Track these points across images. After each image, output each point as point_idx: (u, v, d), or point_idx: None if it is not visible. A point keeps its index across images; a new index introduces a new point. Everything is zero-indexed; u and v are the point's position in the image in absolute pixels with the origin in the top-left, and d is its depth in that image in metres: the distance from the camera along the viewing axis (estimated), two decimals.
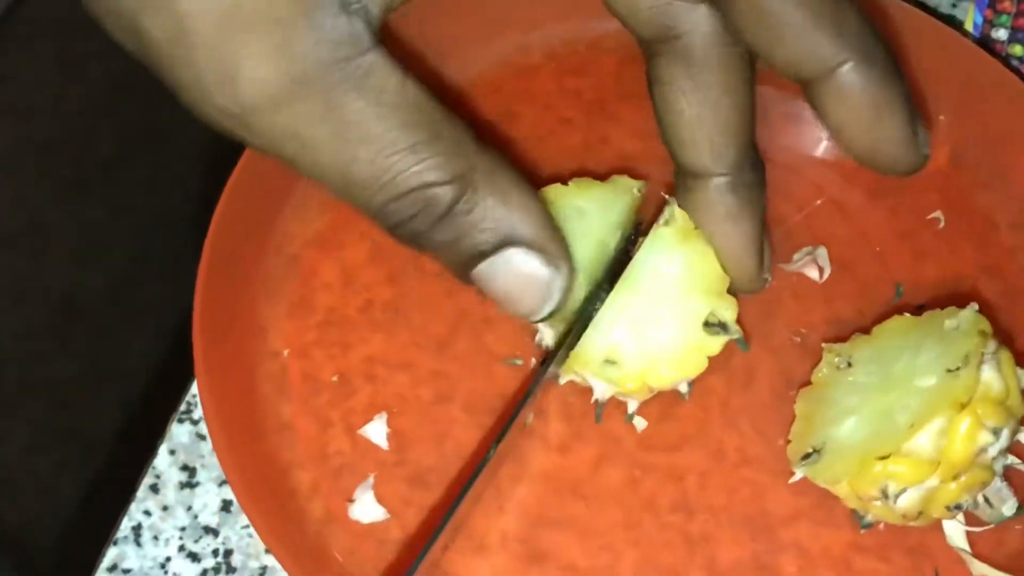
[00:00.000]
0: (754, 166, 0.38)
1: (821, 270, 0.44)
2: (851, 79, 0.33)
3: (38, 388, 1.16)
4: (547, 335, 0.41)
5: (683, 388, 0.40)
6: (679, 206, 0.39)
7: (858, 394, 0.39)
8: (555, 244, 0.34)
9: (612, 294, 0.39)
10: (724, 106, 0.36)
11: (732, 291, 0.40)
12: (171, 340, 1.09)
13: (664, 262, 0.40)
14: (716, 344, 0.39)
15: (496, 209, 0.32)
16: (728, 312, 0.40)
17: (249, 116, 0.29)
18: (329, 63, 0.29)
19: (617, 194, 0.42)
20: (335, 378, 0.42)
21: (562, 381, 0.40)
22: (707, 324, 0.39)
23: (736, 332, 0.40)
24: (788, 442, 0.40)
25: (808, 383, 0.41)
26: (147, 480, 0.40)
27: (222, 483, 0.41)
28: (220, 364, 0.40)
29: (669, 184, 0.40)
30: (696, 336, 0.39)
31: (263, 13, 0.29)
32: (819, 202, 0.45)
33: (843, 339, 0.41)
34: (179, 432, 0.41)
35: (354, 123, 0.30)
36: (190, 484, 0.40)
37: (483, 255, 0.33)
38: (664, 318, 0.39)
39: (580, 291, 0.39)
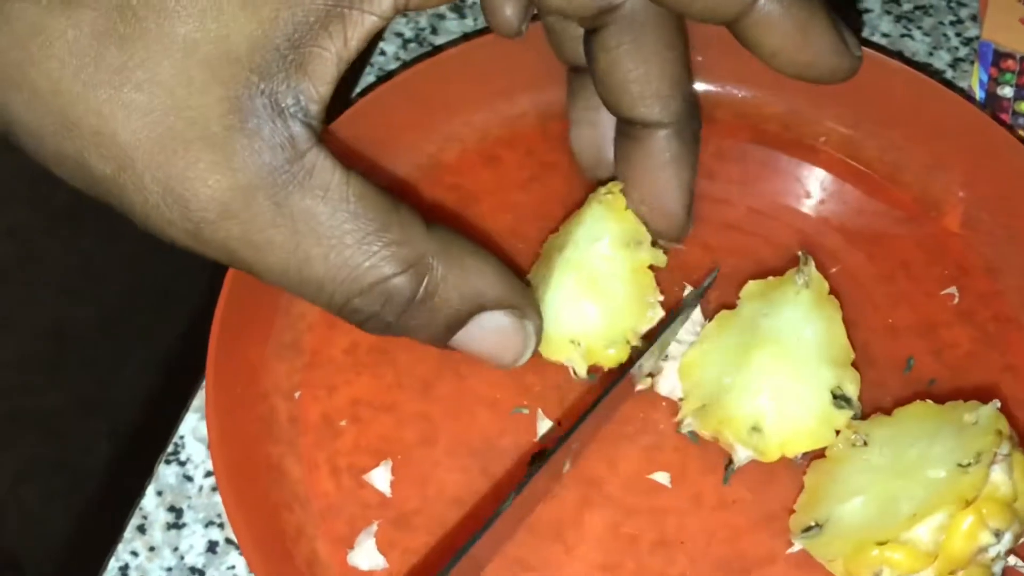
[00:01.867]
0: (694, 115, 0.41)
1: None
2: (770, 7, 0.35)
3: (28, 419, 1.16)
4: (579, 367, 0.42)
5: (799, 457, 0.41)
6: (617, 159, 0.42)
7: (869, 474, 0.39)
8: (519, 295, 0.36)
9: (757, 355, 0.40)
10: (668, 60, 0.39)
11: (655, 242, 0.42)
12: (160, 374, 1.10)
13: (803, 326, 0.41)
14: (842, 418, 0.40)
15: (458, 283, 0.34)
16: (852, 386, 0.40)
17: (202, 230, 0.31)
18: (271, 168, 0.30)
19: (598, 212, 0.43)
20: (320, 420, 0.42)
21: (683, 430, 0.42)
22: (834, 396, 0.40)
23: (857, 408, 0.40)
24: (792, 512, 0.40)
25: (818, 455, 0.41)
26: (134, 520, 0.41)
27: (208, 524, 0.41)
28: (222, 407, 0.40)
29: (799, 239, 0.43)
30: (826, 408, 0.40)
31: (200, 130, 0.29)
32: (834, 270, 0.46)
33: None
34: (166, 473, 0.42)
35: (303, 223, 0.31)
36: (177, 525, 0.41)
37: (455, 327, 0.34)
38: (801, 388, 0.40)
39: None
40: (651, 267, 0.43)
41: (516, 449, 0.42)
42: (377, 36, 0.49)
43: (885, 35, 0.52)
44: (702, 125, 0.42)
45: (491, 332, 0.35)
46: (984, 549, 0.36)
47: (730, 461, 0.41)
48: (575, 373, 0.42)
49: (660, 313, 0.43)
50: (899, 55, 0.51)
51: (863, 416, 0.41)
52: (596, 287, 0.42)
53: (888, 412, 0.41)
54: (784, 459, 0.41)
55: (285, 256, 0.31)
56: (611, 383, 0.40)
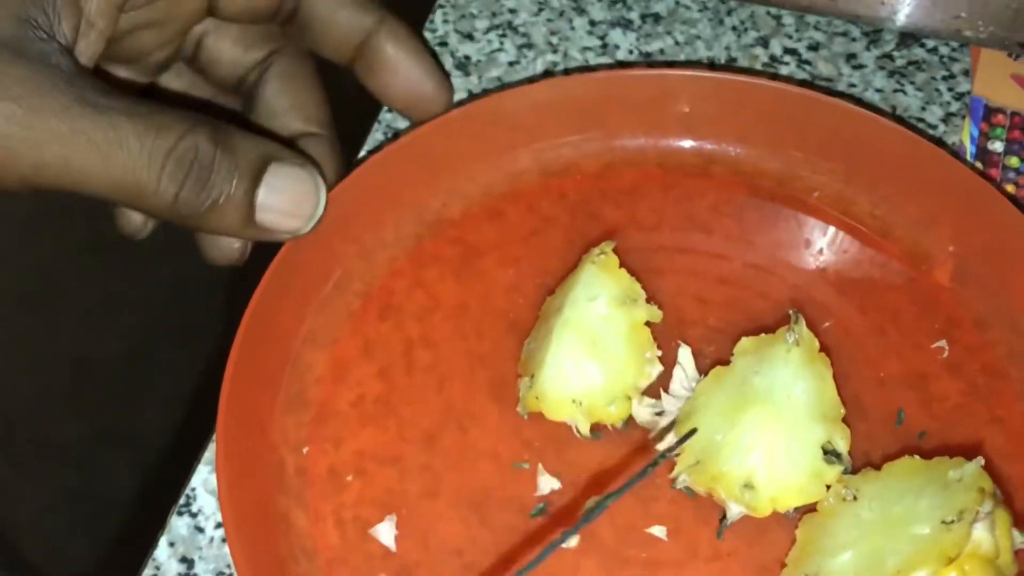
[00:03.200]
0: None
1: None
2: (382, 43, 0.46)
3: (51, 450, 1.19)
4: (582, 426, 0.43)
5: (791, 511, 0.42)
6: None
7: (858, 529, 0.40)
8: (295, 151, 0.42)
9: (749, 413, 0.41)
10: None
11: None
12: (182, 409, 1.11)
13: (794, 383, 0.42)
14: (832, 473, 0.41)
15: (248, 139, 0.39)
16: (842, 442, 0.42)
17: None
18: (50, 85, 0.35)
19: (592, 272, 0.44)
20: (327, 473, 0.44)
21: (678, 485, 0.43)
22: (824, 452, 0.41)
23: (847, 462, 0.42)
24: (784, 566, 0.41)
25: (810, 509, 0.42)
26: (148, 571, 0.42)
27: (218, 575, 0.42)
28: (231, 460, 0.42)
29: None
30: (817, 464, 0.41)
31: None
32: (827, 324, 0.47)
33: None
34: (179, 524, 0.43)
35: (101, 104, 0.36)
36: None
37: (255, 182, 0.39)
38: (792, 444, 0.41)
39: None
40: (647, 323, 0.44)
41: (516, 502, 0.43)
42: None
43: (879, 90, 0.53)
44: None
45: (286, 186, 0.40)
46: None
47: (724, 516, 0.42)
48: (578, 432, 0.44)
49: (659, 368, 0.44)
50: (892, 110, 0.53)
51: (854, 470, 0.42)
52: (595, 346, 0.43)
53: (878, 466, 0.42)
54: (776, 513, 0.42)
55: (97, 133, 0.36)
56: (639, 473, 0.41)
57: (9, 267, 1.28)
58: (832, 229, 0.49)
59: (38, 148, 0.35)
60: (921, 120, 0.52)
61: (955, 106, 0.53)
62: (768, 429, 0.41)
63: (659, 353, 0.45)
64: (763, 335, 0.44)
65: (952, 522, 0.37)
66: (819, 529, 0.41)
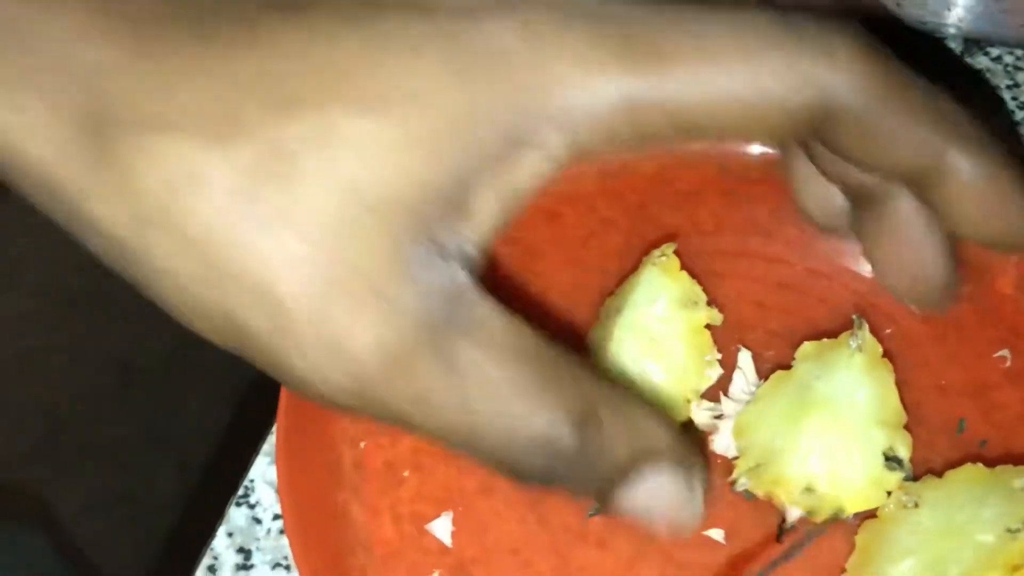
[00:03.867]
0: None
1: None
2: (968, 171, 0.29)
3: (95, 450, 1.20)
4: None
5: (850, 517, 0.42)
6: (864, 235, 0.35)
7: (920, 536, 0.39)
8: (687, 449, 0.33)
9: (811, 418, 0.41)
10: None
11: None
12: (227, 411, 1.12)
13: (856, 389, 0.42)
14: (893, 480, 0.41)
15: (625, 435, 0.31)
16: (903, 449, 0.41)
17: (366, 388, 0.28)
18: (437, 320, 0.27)
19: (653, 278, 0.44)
20: (385, 468, 0.44)
21: (738, 488, 0.42)
22: (886, 458, 0.41)
23: (909, 470, 0.41)
24: (843, 572, 0.41)
25: (870, 515, 0.41)
26: (205, 560, 0.43)
27: (275, 566, 0.43)
28: (291, 454, 0.42)
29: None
30: (878, 470, 0.41)
31: (365, 281, 0.27)
32: (889, 331, 0.46)
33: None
34: (236, 515, 0.44)
35: (468, 376, 0.28)
36: (245, 566, 0.43)
37: (616, 482, 0.31)
38: (853, 449, 0.41)
39: None
40: (707, 326, 0.44)
41: (573, 502, 0.43)
42: None
43: None
44: None
45: (653, 488, 0.31)
46: None
47: (783, 520, 0.42)
48: None
49: (719, 371, 0.44)
50: None
51: (915, 477, 0.42)
52: (656, 348, 0.43)
53: (939, 473, 0.42)
54: (835, 518, 0.42)
55: (449, 411, 0.28)
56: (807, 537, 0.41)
57: (58, 269, 1.30)
58: None
59: None
60: None
61: (1020, 115, 0.52)
62: (830, 434, 0.41)
63: (719, 356, 0.44)
64: (825, 340, 0.44)
65: (1017, 530, 0.37)
66: (880, 536, 0.41)
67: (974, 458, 0.42)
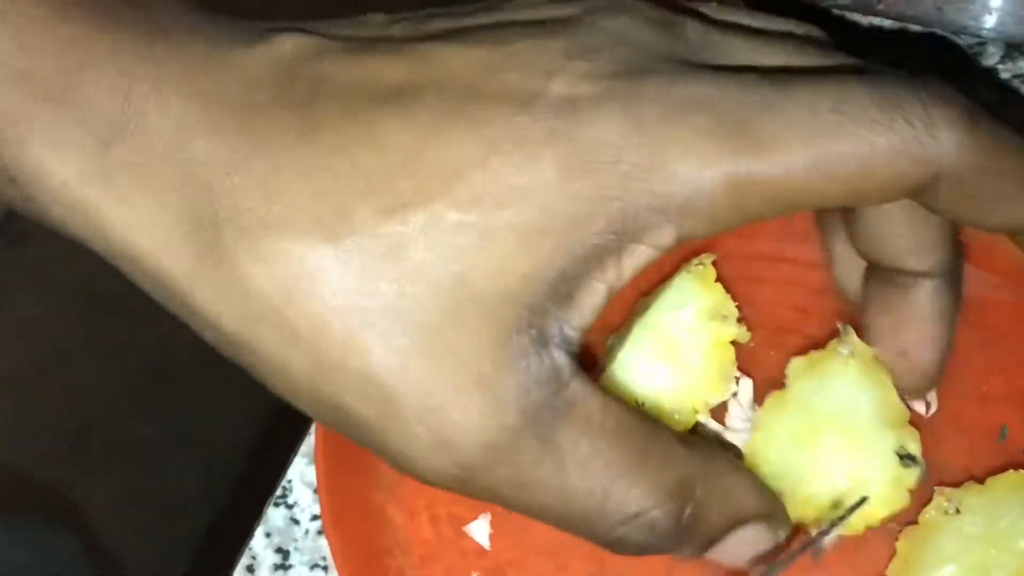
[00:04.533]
0: (959, 263, 0.37)
1: (928, 405, 0.44)
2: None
3: (123, 450, 1.20)
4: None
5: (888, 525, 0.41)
6: (870, 304, 0.39)
7: (961, 543, 0.39)
8: (775, 506, 0.35)
9: (824, 435, 0.41)
10: None
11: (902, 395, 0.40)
12: (258, 412, 1.12)
13: (858, 395, 0.41)
14: (912, 477, 0.40)
15: (719, 503, 0.32)
16: (913, 444, 0.41)
17: (471, 476, 0.29)
18: (539, 405, 0.28)
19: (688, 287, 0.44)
20: None
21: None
22: (900, 457, 0.40)
23: (923, 464, 0.41)
24: None
25: (911, 521, 0.41)
26: (244, 560, 0.43)
27: (313, 566, 0.43)
28: (330, 454, 0.42)
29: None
30: (896, 470, 0.40)
31: (470, 373, 0.28)
32: None
33: (948, 481, 0.42)
34: (275, 516, 0.44)
35: (568, 457, 0.29)
36: (284, 566, 0.43)
37: (712, 543, 0.33)
38: (869, 456, 0.40)
39: None
40: (733, 343, 0.44)
41: None
42: None
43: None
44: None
45: (744, 545, 0.33)
46: None
47: (815, 538, 0.41)
48: None
49: (734, 388, 0.44)
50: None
51: (955, 484, 0.41)
52: (673, 354, 0.43)
53: (981, 480, 0.41)
54: (874, 527, 0.41)
55: (550, 493, 0.29)
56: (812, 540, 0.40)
57: (88, 269, 1.30)
58: None
59: None
60: None
61: None
62: (844, 446, 0.41)
63: (738, 375, 0.44)
64: (812, 352, 0.43)
65: None
66: (921, 543, 0.40)
67: (1017, 465, 0.41)
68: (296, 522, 0.44)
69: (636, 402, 0.42)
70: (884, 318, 0.38)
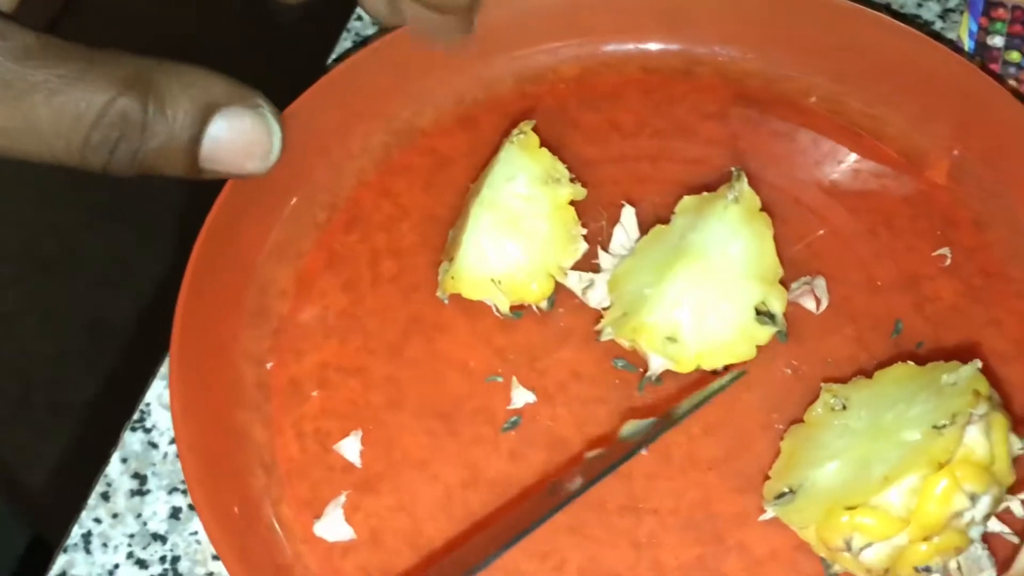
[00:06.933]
0: None
1: (818, 301, 0.42)
2: None
3: (68, 411, 1.18)
4: (501, 305, 0.42)
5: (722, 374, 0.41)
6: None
7: (846, 438, 0.37)
8: (248, 90, 0.36)
9: (679, 267, 0.40)
10: None
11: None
12: None
13: (730, 240, 0.40)
14: (764, 334, 0.40)
15: (183, 87, 0.34)
16: (777, 303, 0.40)
17: None
18: None
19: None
20: (290, 385, 0.42)
21: (603, 337, 0.41)
22: (758, 312, 0.40)
23: (782, 324, 0.40)
24: (767, 478, 0.39)
25: (796, 419, 0.40)
26: (98, 488, 0.41)
27: (172, 490, 0.41)
28: (186, 373, 0.40)
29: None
30: (748, 323, 0.40)
31: None
32: (821, 232, 0.44)
33: (837, 376, 0.40)
34: (131, 440, 0.42)
35: (15, 81, 0.32)
36: (140, 492, 0.41)
37: (197, 135, 0.35)
38: (722, 301, 0.40)
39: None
40: (571, 202, 0.43)
41: (486, 413, 0.41)
42: (354, 1, 0.49)
43: None
44: None
45: (235, 132, 0.35)
46: (959, 514, 0.34)
47: (645, 370, 0.40)
48: (498, 311, 0.42)
49: (584, 246, 0.43)
50: (886, 7, 0.50)
51: (843, 379, 0.40)
52: (516, 226, 0.41)
53: (870, 374, 0.39)
54: (761, 422, 0.40)
55: (14, 119, 0.32)
56: (627, 453, 0.39)
57: (27, 230, 1.28)
58: (822, 131, 0.46)
59: None
60: (917, 17, 0.50)
61: (953, 1, 0.50)
62: (698, 284, 0.40)
63: (584, 231, 0.43)
64: (705, 194, 0.42)
65: (943, 426, 0.35)
66: (805, 440, 0.39)
67: (908, 357, 0.39)
68: (154, 446, 0.42)
69: (492, 280, 0.41)
70: None
